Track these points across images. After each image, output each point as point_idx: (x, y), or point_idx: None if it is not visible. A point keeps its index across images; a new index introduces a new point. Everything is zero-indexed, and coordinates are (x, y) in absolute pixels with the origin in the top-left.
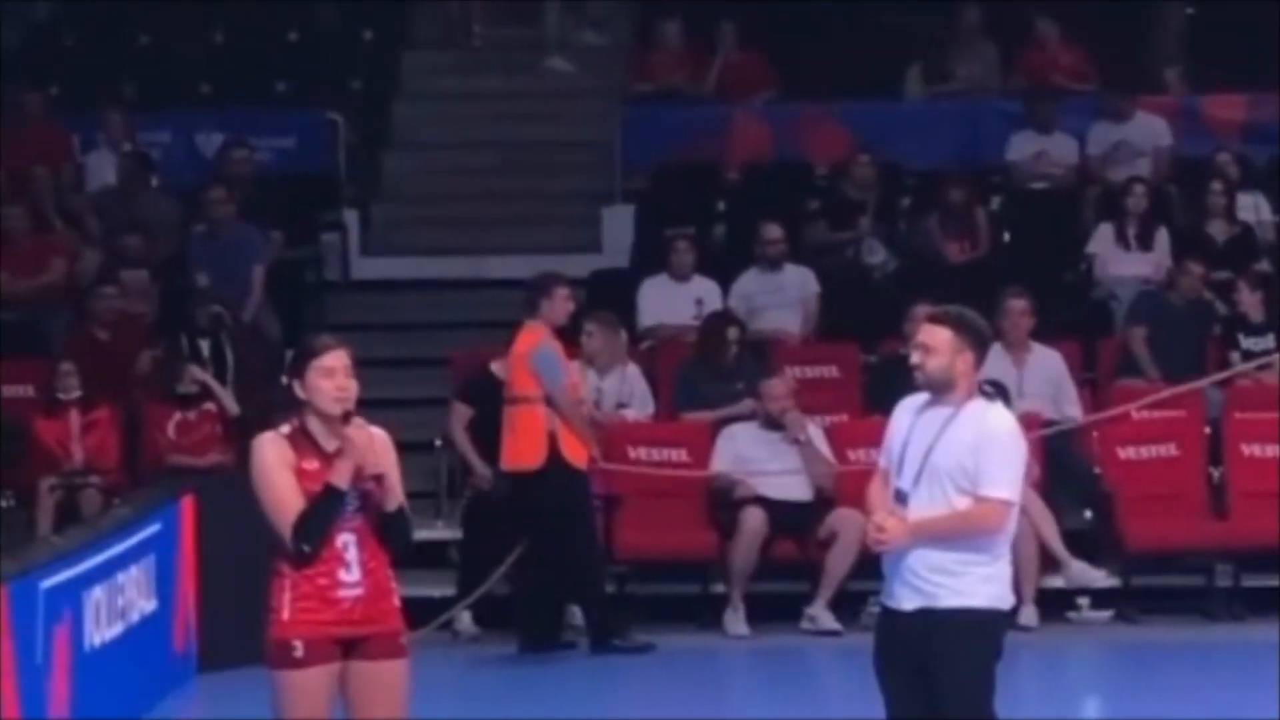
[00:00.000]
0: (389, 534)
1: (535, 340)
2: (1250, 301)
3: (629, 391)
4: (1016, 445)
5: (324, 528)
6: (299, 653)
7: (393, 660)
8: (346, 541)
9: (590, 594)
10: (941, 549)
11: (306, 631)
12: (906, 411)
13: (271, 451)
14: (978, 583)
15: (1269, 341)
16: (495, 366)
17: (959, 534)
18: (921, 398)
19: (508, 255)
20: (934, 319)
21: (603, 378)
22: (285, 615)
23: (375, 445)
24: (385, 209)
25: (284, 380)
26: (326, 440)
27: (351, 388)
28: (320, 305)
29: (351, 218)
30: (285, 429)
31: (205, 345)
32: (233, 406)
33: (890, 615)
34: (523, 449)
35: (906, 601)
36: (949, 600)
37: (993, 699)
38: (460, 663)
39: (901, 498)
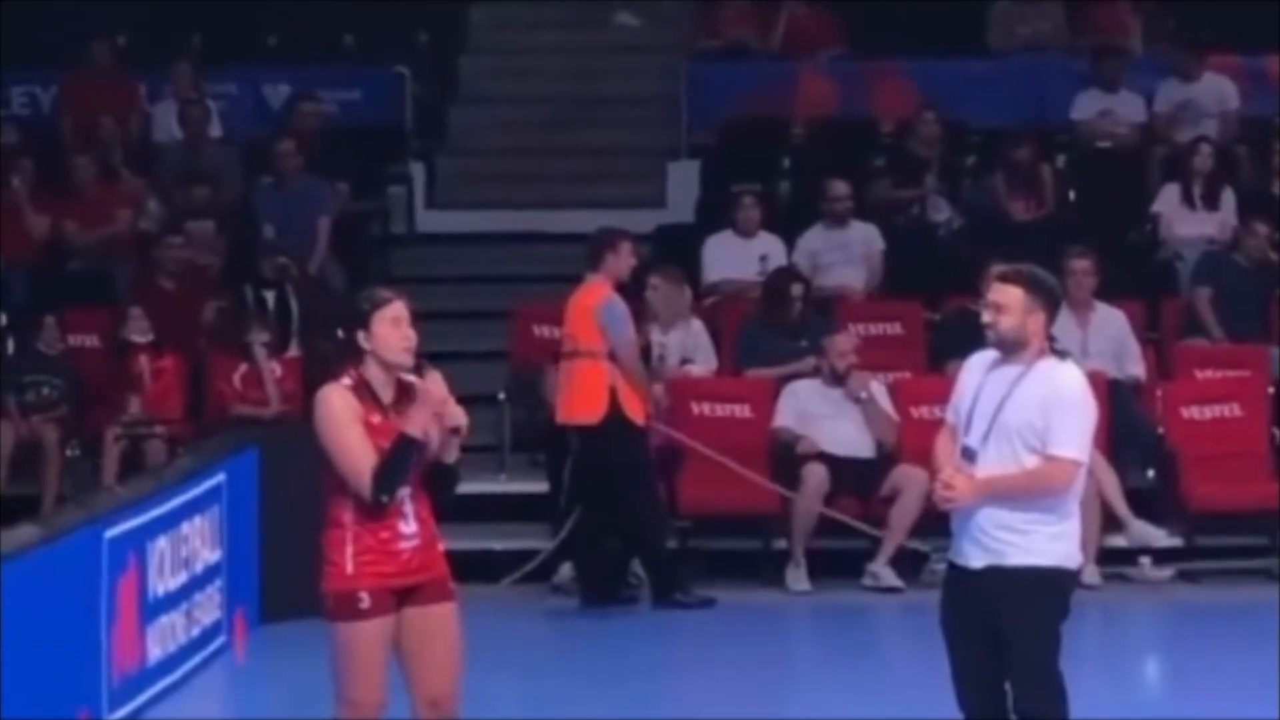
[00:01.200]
0: (442, 485)
1: (601, 294)
2: None
3: (693, 347)
4: (1087, 404)
5: (403, 478)
6: (365, 604)
7: (446, 603)
8: (403, 494)
9: (652, 549)
10: (1009, 507)
11: (370, 583)
12: (976, 369)
13: (340, 403)
14: (1046, 541)
15: None
16: None
17: (1027, 493)
18: (991, 355)
19: (573, 210)
20: (1005, 278)
21: (666, 333)
22: (349, 568)
23: (448, 395)
24: (451, 162)
25: (340, 332)
26: (384, 392)
27: (414, 338)
28: (385, 258)
29: (417, 170)
30: (347, 381)
31: (270, 297)
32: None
33: (958, 572)
34: (583, 403)
35: (975, 559)
36: (1016, 558)
37: (1058, 657)
38: (523, 614)
39: (970, 455)
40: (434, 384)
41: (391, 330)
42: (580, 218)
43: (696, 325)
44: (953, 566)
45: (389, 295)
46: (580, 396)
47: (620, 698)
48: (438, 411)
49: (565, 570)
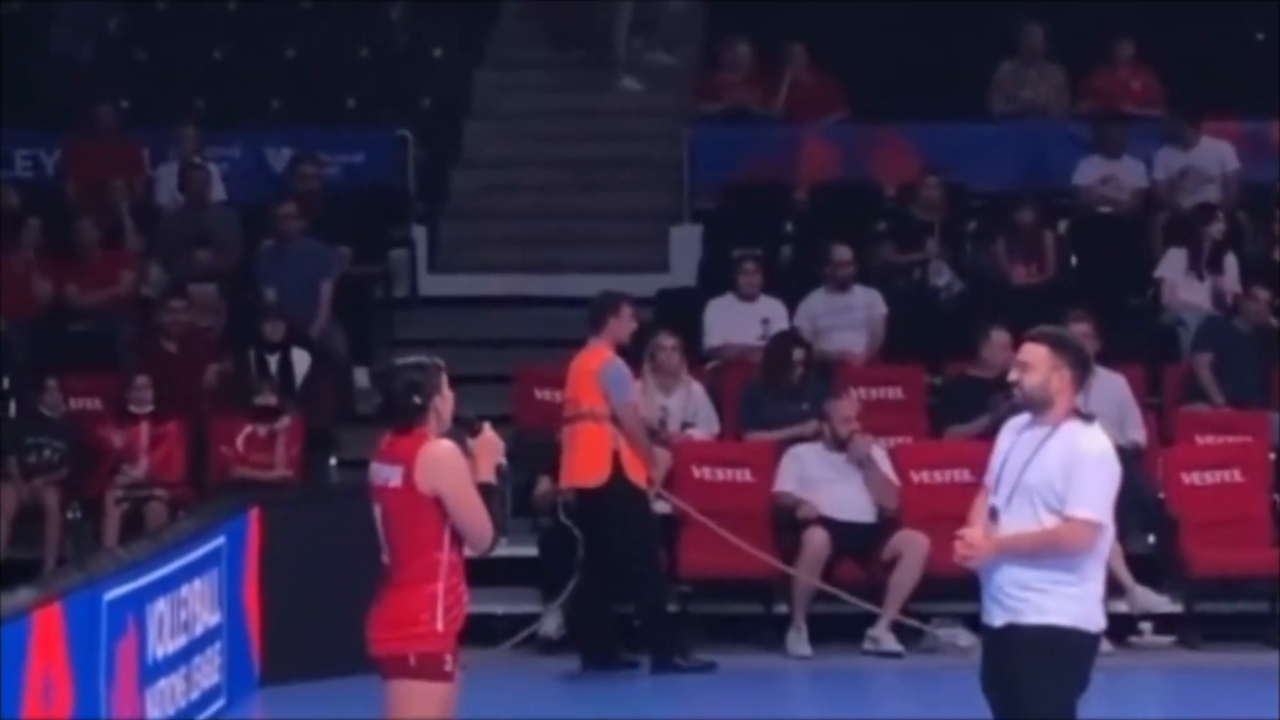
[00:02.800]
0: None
1: (603, 358)
2: None
3: (694, 410)
4: (1108, 467)
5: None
6: (448, 666)
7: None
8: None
9: (652, 612)
10: (1028, 566)
11: (452, 644)
12: (1010, 431)
13: (462, 458)
14: (1063, 601)
15: None
16: None
17: (1044, 552)
18: (1025, 418)
19: (575, 274)
20: (1032, 337)
21: (668, 396)
22: (439, 627)
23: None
24: (453, 226)
25: (418, 400)
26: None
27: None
28: (388, 321)
29: (420, 234)
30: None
31: (273, 361)
32: None
33: (986, 632)
34: (586, 466)
35: (996, 618)
36: (1032, 617)
37: (1071, 717)
38: (523, 678)
39: (994, 514)
40: (492, 433)
41: (449, 393)
42: (582, 281)
43: (697, 389)
44: (983, 627)
45: (438, 361)
46: (583, 460)
47: None
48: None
49: (550, 623)
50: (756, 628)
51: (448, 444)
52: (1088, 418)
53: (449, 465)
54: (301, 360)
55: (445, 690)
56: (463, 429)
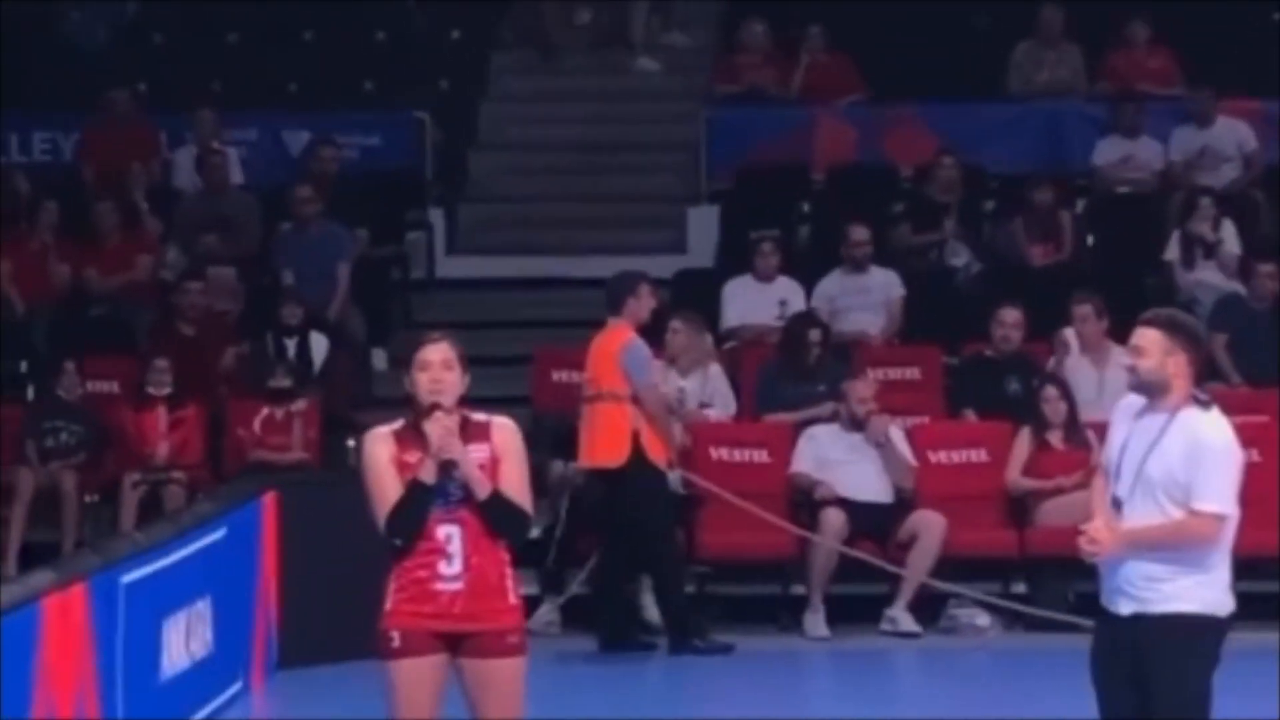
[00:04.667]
0: (490, 524)
1: (624, 338)
2: None
3: (711, 391)
4: (1231, 456)
5: (413, 521)
6: (395, 643)
7: (501, 659)
8: (450, 534)
9: (670, 594)
10: (1153, 559)
11: (405, 623)
12: (1124, 415)
13: (374, 446)
14: (1191, 588)
15: None
16: None
17: (1169, 545)
18: (1138, 401)
19: (592, 255)
20: (1145, 320)
21: (685, 377)
22: (388, 606)
23: (456, 433)
24: (470, 208)
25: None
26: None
27: (448, 380)
28: (405, 303)
29: (437, 216)
30: (397, 424)
31: (290, 344)
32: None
33: (1108, 619)
34: (605, 447)
35: (1123, 607)
36: (1161, 605)
37: (1207, 705)
38: (539, 660)
39: (1118, 505)
40: (433, 425)
41: (419, 373)
42: (600, 263)
43: (715, 370)
44: (1104, 613)
45: (428, 338)
46: (603, 440)
47: None
48: (436, 453)
49: (543, 613)
50: (774, 609)
51: (369, 432)
52: (1206, 403)
53: (362, 451)
54: (319, 343)
55: (397, 668)
56: (422, 415)
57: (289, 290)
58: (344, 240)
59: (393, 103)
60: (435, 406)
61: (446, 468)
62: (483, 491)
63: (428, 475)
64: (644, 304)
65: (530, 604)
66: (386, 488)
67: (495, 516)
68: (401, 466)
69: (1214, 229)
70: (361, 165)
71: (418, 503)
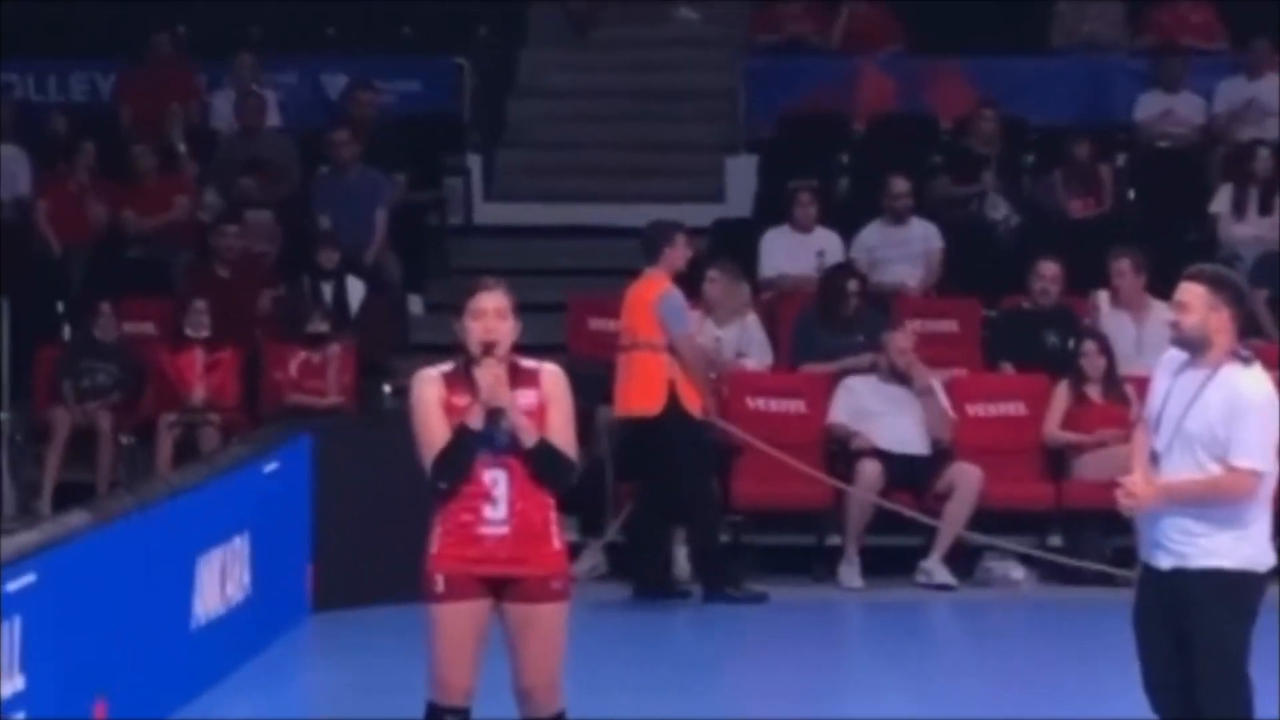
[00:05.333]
0: (535, 471)
1: (660, 287)
2: None
3: (748, 341)
4: (1270, 412)
5: (459, 465)
6: (440, 587)
7: (543, 604)
8: (496, 478)
9: (705, 543)
10: (1190, 514)
11: (449, 567)
12: (1166, 370)
13: (423, 388)
14: (1229, 543)
15: None
16: None
17: (1206, 500)
18: (1180, 355)
19: (631, 204)
20: (1190, 275)
21: (722, 327)
22: (434, 549)
23: (505, 382)
24: (509, 154)
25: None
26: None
27: (501, 330)
28: (442, 249)
29: (475, 162)
30: (447, 366)
31: (327, 288)
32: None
33: (1148, 572)
34: (641, 395)
35: (1162, 561)
36: (1199, 560)
37: (1245, 659)
38: (572, 607)
39: (1156, 459)
40: (482, 373)
41: (471, 321)
42: (638, 211)
43: (752, 320)
44: (1145, 567)
45: (483, 284)
46: (638, 389)
47: (670, 692)
48: (486, 402)
49: (587, 556)
50: (809, 559)
51: (419, 373)
52: (1247, 359)
53: (411, 392)
54: (355, 288)
55: (442, 611)
56: (472, 360)
57: (326, 234)
58: (382, 185)
59: (432, 48)
60: (487, 353)
61: (494, 415)
62: (530, 439)
63: (475, 421)
64: (680, 253)
65: (573, 551)
66: (434, 430)
67: (541, 463)
68: (450, 410)
69: (1268, 187)
70: (400, 110)
71: (464, 448)
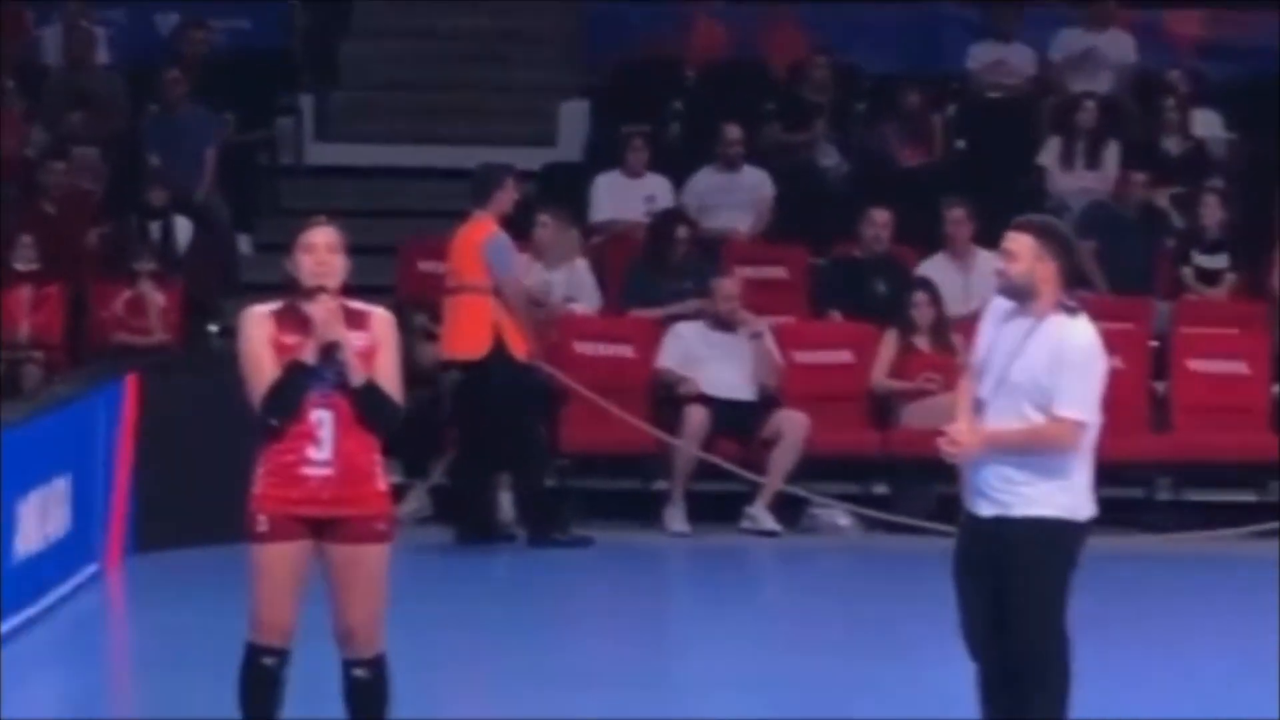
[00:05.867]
0: (362, 412)
1: (488, 230)
2: (1210, 217)
3: (577, 285)
4: (1094, 363)
5: (290, 401)
6: (262, 527)
7: (366, 545)
8: (321, 419)
9: (530, 487)
10: (1013, 463)
11: (272, 507)
12: (992, 319)
13: (251, 325)
14: (1051, 493)
15: (1222, 260)
16: None
17: (1029, 449)
18: (1007, 305)
19: (462, 146)
20: (1018, 225)
21: (551, 271)
22: (257, 490)
23: (340, 316)
24: (341, 95)
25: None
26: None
27: (333, 263)
28: (272, 189)
29: (306, 102)
30: (276, 304)
31: (155, 227)
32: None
33: (970, 519)
34: (467, 338)
35: (984, 509)
36: (1021, 509)
37: (1063, 609)
38: (396, 551)
39: (980, 407)
40: (317, 308)
41: (304, 255)
42: (470, 154)
43: (581, 264)
44: (966, 514)
45: (313, 221)
46: (464, 332)
47: (493, 636)
48: (319, 337)
49: (412, 498)
50: (635, 504)
51: (247, 310)
52: (1073, 310)
53: (239, 329)
54: (184, 227)
55: (264, 552)
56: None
57: (154, 172)
58: (211, 124)
59: None
60: (320, 289)
61: (328, 350)
62: (359, 377)
63: (308, 356)
64: (509, 196)
65: (397, 494)
66: (264, 366)
67: (368, 404)
68: (279, 348)
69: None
70: (231, 48)
71: (296, 383)
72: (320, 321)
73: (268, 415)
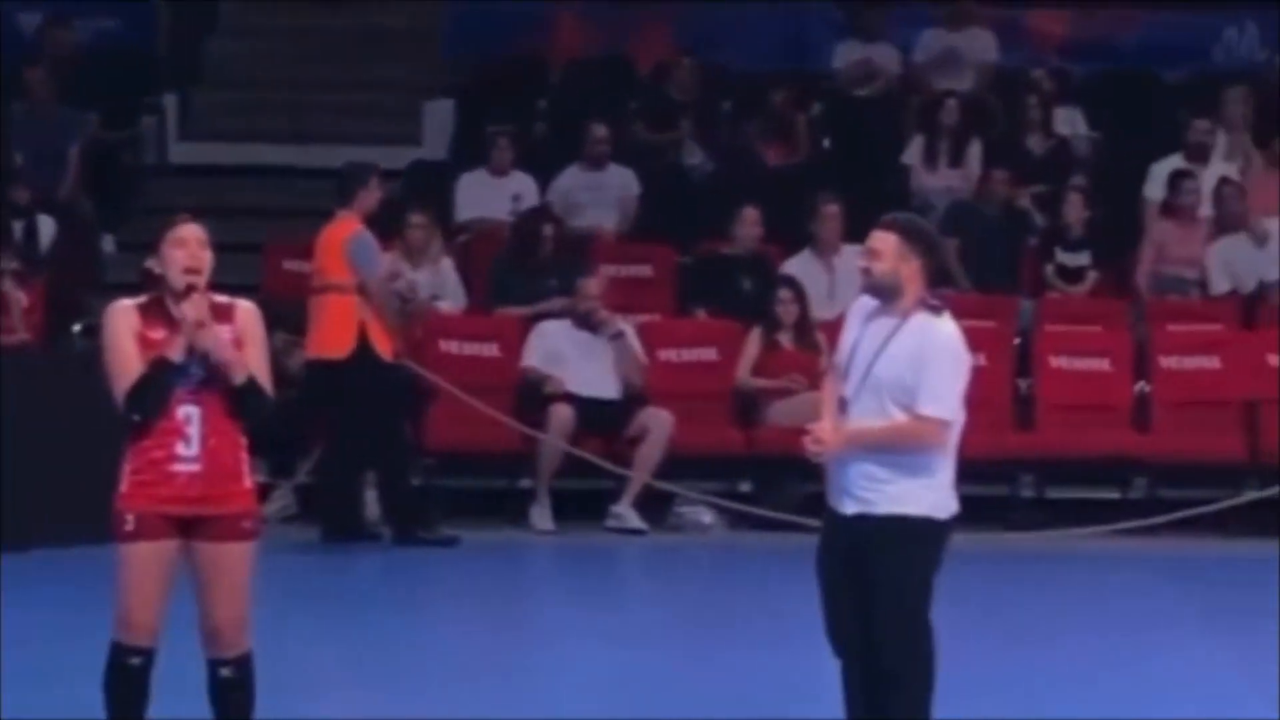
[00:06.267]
0: (238, 407)
1: (351, 229)
2: (1073, 214)
3: (441, 284)
4: (958, 362)
5: (155, 398)
6: (130, 526)
7: (234, 543)
8: (189, 415)
9: (396, 486)
10: (876, 461)
11: (140, 505)
12: (857, 317)
13: (116, 319)
14: (914, 490)
15: (1084, 257)
16: None
17: (892, 447)
18: (872, 303)
19: (327, 144)
20: (882, 224)
21: (416, 270)
22: (124, 488)
23: (211, 318)
24: (205, 93)
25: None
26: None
27: (204, 258)
28: (136, 188)
29: (170, 101)
30: (141, 299)
31: (18, 226)
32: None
33: (833, 517)
34: (332, 337)
35: (847, 506)
36: (884, 507)
37: (927, 606)
38: (261, 549)
39: (845, 405)
40: (189, 307)
41: (175, 250)
42: (335, 153)
43: (446, 263)
44: (829, 511)
45: (180, 218)
46: (329, 331)
47: (359, 634)
48: (191, 335)
49: (277, 497)
50: (501, 502)
51: (112, 305)
52: (938, 308)
53: (101, 325)
54: (47, 226)
55: (131, 551)
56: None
57: (17, 171)
58: (75, 123)
59: None
60: (190, 288)
61: (195, 349)
62: (241, 375)
63: (175, 353)
64: (373, 195)
65: (263, 492)
66: (129, 362)
67: (244, 399)
68: (145, 343)
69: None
70: (95, 48)
71: (162, 380)
72: (192, 322)
73: (131, 411)
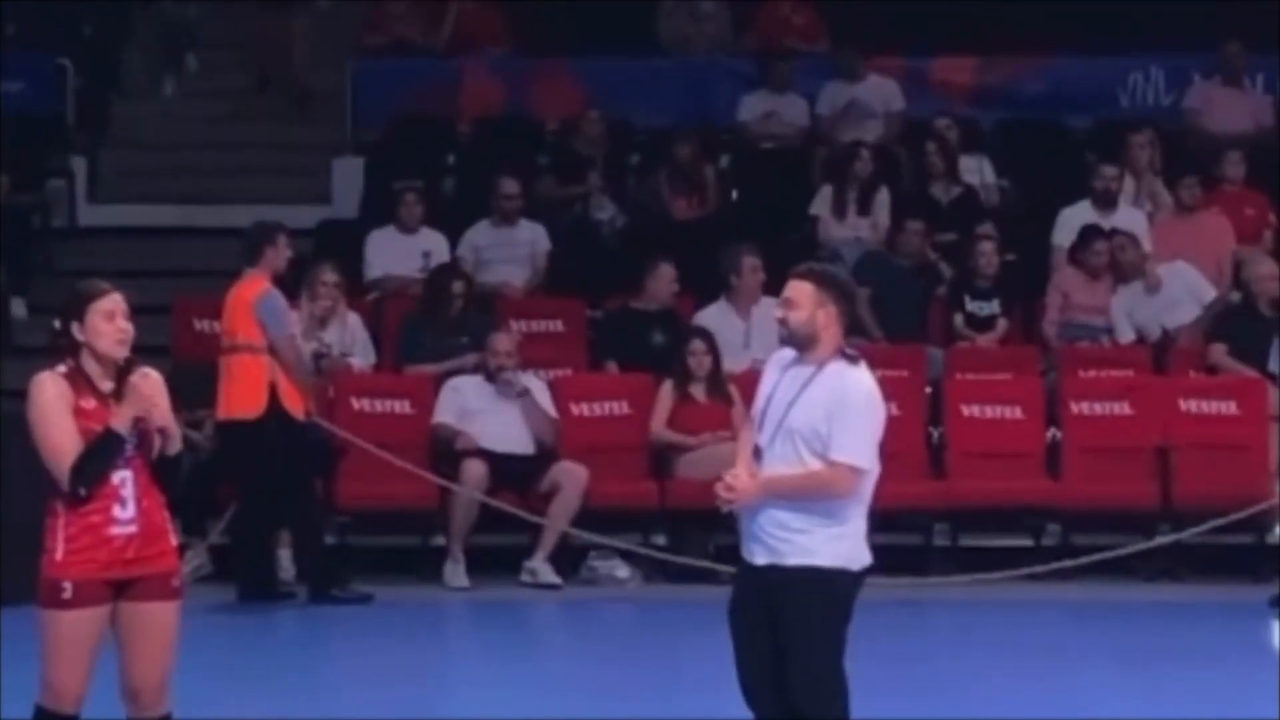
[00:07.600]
0: (162, 475)
1: (260, 288)
2: (984, 263)
3: (351, 341)
4: (872, 410)
5: (103, 470)
6: (67, 594)
7: (163, 602)
8: (124, 479)
9: (309, 544)
10: (788, 509)
11: (78, 572)
12: (775, 366)
13: (52, 390)
14: (825, 541)
15: (994, 306)
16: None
17: (805, 495)
18: (791, 353)
19: (237, 204)
20: (798, 274)
21: (324, 328)
22: (58, 555)
23: (161, 392)
24: (113, 156)
25: (58, 324)
26: (102, 381)
27: (130, 331)
28: (46, 251)
29: (79, 164)
30: (61, 368)
31: None
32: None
33: (746, 568)
34: (242, 398)
35: (758, 556)
36: (795, 558)
37: (839, 657)
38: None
39: (759, 454)
40: (145, 382)
41: (104, 323)
42: (244, 212)
43: (354, 319)
44: (741, 562)
45: (105, 288)
46: (240, 391)
47: (273, 693)
48: (146, 411)
49: (192, 561)
50: (414, 560)
51: (41, 375)
52: (853, 357)
53: (31, 397)
54: None
55: (67, 619)
56: (126, 368)
57: None
58: None
59: (35, 47)
60: (130, 360)
61: (151, 422)
62: (177, 445)
63: (121, 425)
64: (281, 254)
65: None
66: (66, 433)
67: (172, 470)
68: (78, 413)
69: (866, 189)
70: (2, 111)
71: (110, 452)
72: (147, 398)
73: (79, 485)
